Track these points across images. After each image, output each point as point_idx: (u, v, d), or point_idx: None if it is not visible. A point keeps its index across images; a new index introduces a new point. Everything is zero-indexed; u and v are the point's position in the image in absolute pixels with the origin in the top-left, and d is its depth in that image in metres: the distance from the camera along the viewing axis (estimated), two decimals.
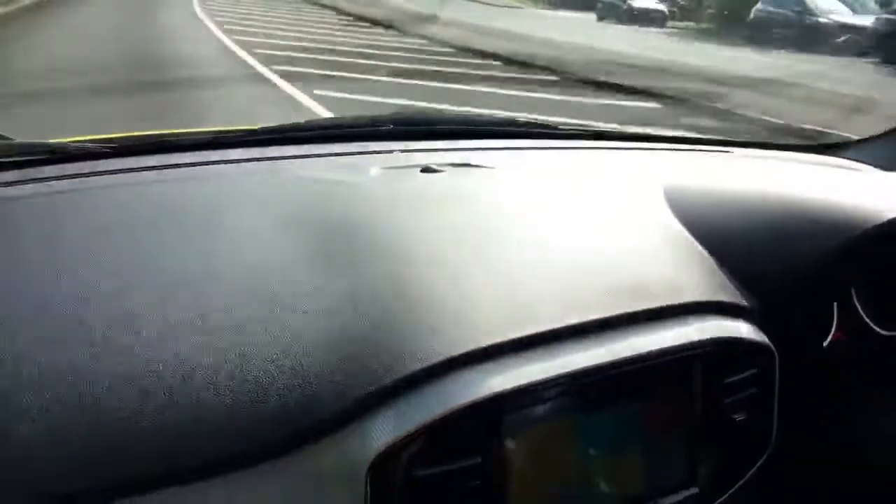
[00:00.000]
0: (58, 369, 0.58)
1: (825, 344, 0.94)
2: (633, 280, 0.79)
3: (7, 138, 0.96)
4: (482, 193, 0.98)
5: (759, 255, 0.92)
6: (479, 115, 1.34)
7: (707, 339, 0.76)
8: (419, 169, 1.03)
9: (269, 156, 1.08)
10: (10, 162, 0.92)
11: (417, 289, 0.72)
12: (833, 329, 0.97)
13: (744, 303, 0.85)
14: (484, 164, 1.09)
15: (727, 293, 0.85)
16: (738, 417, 0.80)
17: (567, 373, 0.67)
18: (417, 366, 0.64)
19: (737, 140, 1.41)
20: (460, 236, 0.83)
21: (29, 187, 0.88)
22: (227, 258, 0.74)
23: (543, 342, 0.69)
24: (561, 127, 1.39)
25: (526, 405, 0.68)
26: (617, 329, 0.74)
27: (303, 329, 0.65)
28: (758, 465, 0.83)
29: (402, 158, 1.11)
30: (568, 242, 0.85)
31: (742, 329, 0.81)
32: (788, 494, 0.97)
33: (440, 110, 1.27)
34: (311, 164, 1.07)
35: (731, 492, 0.81)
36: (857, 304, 0.98)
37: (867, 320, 0.98)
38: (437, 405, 0.63)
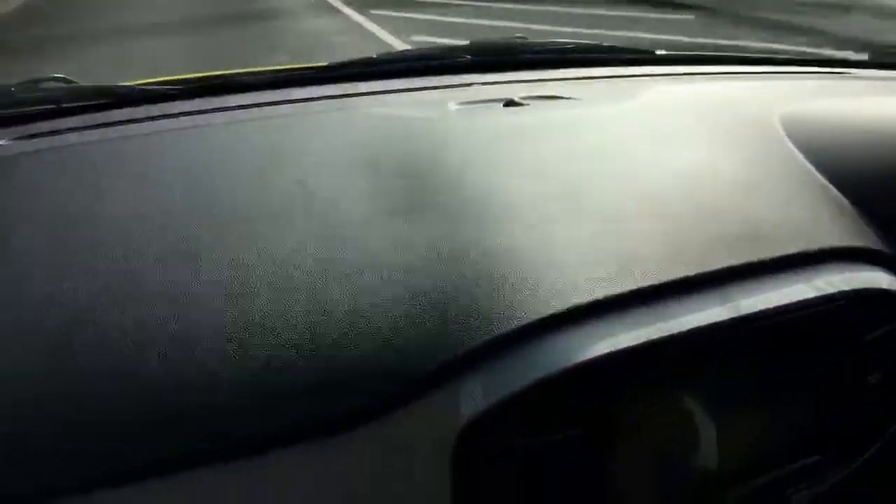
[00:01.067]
0: (135, 320, 0.54)
1: None
2: (750, 225, 0.69)
3: (72, 82, 0.92)
4: (572, 129, 0.89)
5: (894, 189, 0.80)
6: (565, 43, 1.22)
7: (840, 293, 0.66)
8: (502, 103, 0.94)
9: (341, 93, 1.01)
10: (77, 107, 0.88)
11: (504, 239, 0.64)
12: None
13: (885, 249, 0.74)
14: (572, 96, 0.99)
15: (863, 238, 0.74)
16: (874, 379, 0.70)
17: (677, 334, 0.59)
18: (510, 326, 0.57)
19: (857, 60, 1.25)
20: (549, 178, 0.74)
21: (96, 132, 0.84)
22: (300, 204, 0.68)
23: (650, 299, 0.61)
24: (657, 52, 1.26)
25: (632, 369, 0.60)
26: (734, 282, 0.64)
27: (382, 287, 0.58)
28: (889, 433, 0.73)
29: (483, 92, 1.03)
30: (671, 183, 0.75)
31: (882, 279, 0.70)
32: None
33: (522, 38, 1.16)
34: (384, 101, 1.00)
35: (860, 460, 0.72)
36: None
37: None
38: (531, 370, 0.55)
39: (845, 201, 0.78)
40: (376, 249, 0.62)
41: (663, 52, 1.24)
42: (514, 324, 0.57)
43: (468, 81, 1.07)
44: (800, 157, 0.83)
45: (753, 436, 0.68)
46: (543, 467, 0.58)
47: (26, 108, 0.85)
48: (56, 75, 0.92)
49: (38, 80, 0.91)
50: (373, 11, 7.22)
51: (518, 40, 1.21)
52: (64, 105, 0.87)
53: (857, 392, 0.70)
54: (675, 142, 0.85)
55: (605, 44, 1.23)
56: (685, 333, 0.59)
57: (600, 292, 0.60)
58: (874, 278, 0.70)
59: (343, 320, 0.56)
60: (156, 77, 1.02)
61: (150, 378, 0.52)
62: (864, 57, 1.33)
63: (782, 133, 0.87)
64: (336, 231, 0.64)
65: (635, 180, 0.75)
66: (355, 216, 0.66)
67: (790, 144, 0.85)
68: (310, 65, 1.07)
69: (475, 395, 0.55)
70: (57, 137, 0.82)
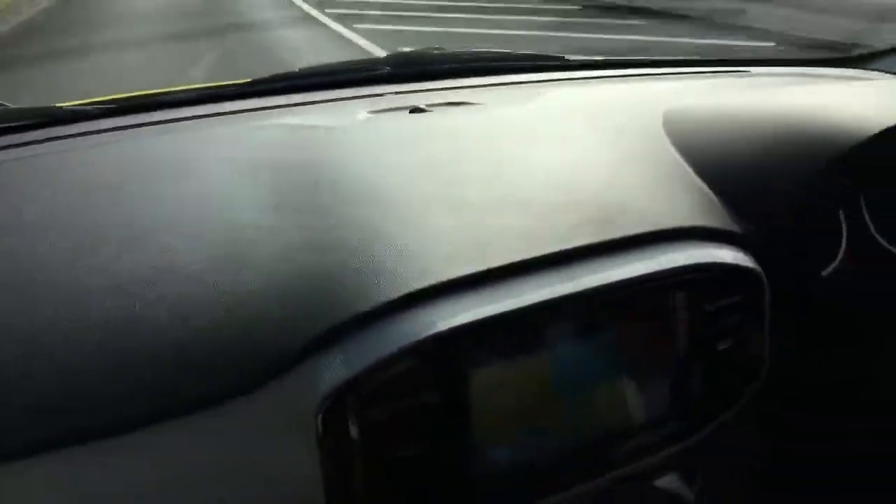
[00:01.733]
0: (26, 318, 0.61)
1: (828, 271, 0.90)
2: (602, 212, 0.77)
3: (3, 105, 1.00)
4: (466, 132, 0.97)
5: (755, 176, 0.88)
6: (479, 52, 1.30)
7: (678, 267, 0.74)
8: (408, 110, 1.02)
9: (261, 106, 1.08)
10: (7, 127, 0.95)
11: (374, 229, 0.71)
12: (842, 251, 0.92)
13: (731, 228, 0.82)
14: (476, 102, 1.07)
15: (710, 218, 0.81)
16: (722, 346, 0.77)
17: (521, 308, 0.66)
18: (365, 305, 0.64)
19: (756, 59, 1.33)
20: (431, 175, 0.82)
21: (18, 151, 0.91)
22: (192, 208, 0.75)
23: (500, 277, 0.68)
24: (567, 58, 1.34)
25: (484, 341, 0.67)
26: (583, 261, 0.72)
27: (256, 275, 0.65)
28: (746, 397, 0.80)
29: (394, 100, 1.10)
30: (541, 177, 0.83)
31: (724, 254, 0.78)
32: (783, 430, 0.94)
33: (440, 49, 1.23)
34: (300, 111, 1.07)
35: (716, 423, 0.79)
36: (867, 218, 0.92)
37: (878, 237, 0.92)
38: (385, 344, 0.62)
39: (704, 186, 0.85)
40: (258, 244, 0.69)
41: (572, 59, 1.32)
42: (372, 303, 0.64)
43: (382, 91, 1.14)
44: (671, 149, 0.91)
45: (614, 401, 0.75)
46: (402, 436, 0.64)
47: None
48: None
49: None
50: (357, 26, 7.41)
51: (434, 50, 1.29)
52: None
53: (709, 358, 0.77)
54: (557, 142, 0.93)
55: (517, 52, 1.31)
56: (528, 307, 0.66)
57: (452, 273, 0.67)
58: (716, 254, 0.77)
59: (218, 307, 0.63)
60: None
61: (39, 365, 0.58)
62: (764, 56, 1.41)
63: (661, 129, 0.95)
64: (224, 230, 0.71)
65: (507, 177, 0.82)
66: (245, 216, 0.73)
67: (666, 139, 0.93)
68: (234, 81, 1.14)
69: (334, 370, 0.61)
70: None
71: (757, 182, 0.88)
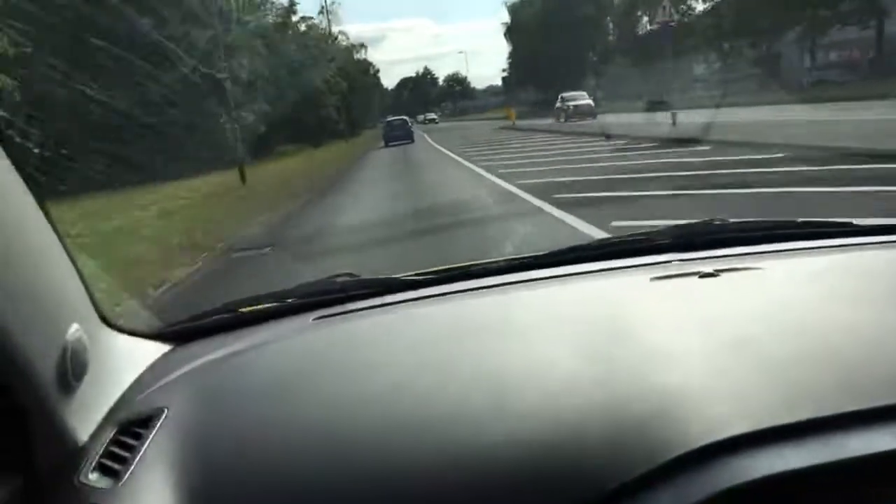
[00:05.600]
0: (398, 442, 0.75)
1: None
2: None
3: (355, 275, 1.24)
4: (756, 293, 1.01)
5: None
6: (756, 222, 1.36)
7: None
8: (697, 275, 1.09)
9: (555, 274, 1.23)
10: (359, 294, 1.19)
11: (680, 378, 0.78)
12: None
13: None
14: (760, 267, 1.12)
15: None
16: None
17: (847, 459, 0.67)
18: (690, 446, 0.69)
19: None
20: (725, 332, 0.87)
21: (374, 310, 1.12)
22: (518, 359, 0.88)
23: (819, 428, 0.70)
24: (854, 224, 1.34)
25: (806, 490, 0.68)
26: None
27: (578, 417, 0.75)
28: None
29: (680, 267, 1.18)
30: (841, 335, 0.84)
31: None
32: None
33: (722, 220, 1.28)
34: (592, 278, 1.19)
35: None
36: None
37: None
38: (709, 485, 0.66)
39: None
40: (576, 390, 0.79)
41: (861, 224, 1.31)
42: (691, 447, 0.69)
43: (667, 259, 1.23)
44: None
45: None
46: None
47: (324, 297, 1.17)
48: (344, 271, 1.25)
49: (333, 277, 1.24)
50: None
51: (713, 222, 1.37)
52: (350, 293, 1.18)
53: None
54: (854, 303, 0.94)
55: (798, 220, 1.34)
56: (852, 460, 0.67)
57: (773, 421, 0.70)
58: None
59: (541, 445, 0.72)
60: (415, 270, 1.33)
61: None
62: None
63: None
64: (544, 373, 0.83)
65: (807, 334, 0.85)
66: (561, 364, 0.85)
67: None
68: (531, 254, 1.31)
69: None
70: (345, 316, 1.11)
71: None
